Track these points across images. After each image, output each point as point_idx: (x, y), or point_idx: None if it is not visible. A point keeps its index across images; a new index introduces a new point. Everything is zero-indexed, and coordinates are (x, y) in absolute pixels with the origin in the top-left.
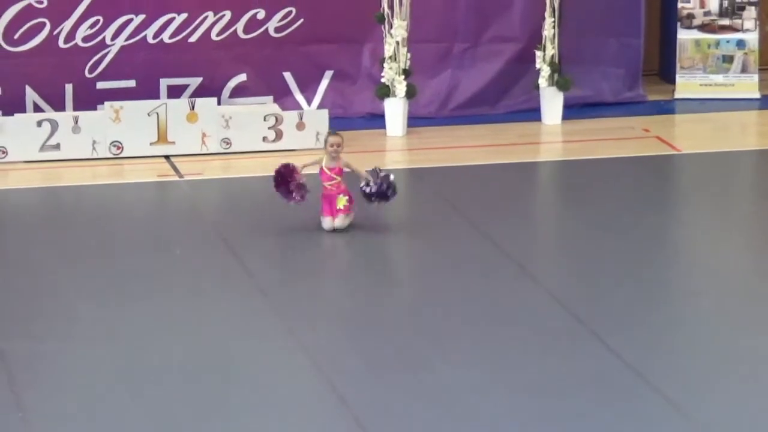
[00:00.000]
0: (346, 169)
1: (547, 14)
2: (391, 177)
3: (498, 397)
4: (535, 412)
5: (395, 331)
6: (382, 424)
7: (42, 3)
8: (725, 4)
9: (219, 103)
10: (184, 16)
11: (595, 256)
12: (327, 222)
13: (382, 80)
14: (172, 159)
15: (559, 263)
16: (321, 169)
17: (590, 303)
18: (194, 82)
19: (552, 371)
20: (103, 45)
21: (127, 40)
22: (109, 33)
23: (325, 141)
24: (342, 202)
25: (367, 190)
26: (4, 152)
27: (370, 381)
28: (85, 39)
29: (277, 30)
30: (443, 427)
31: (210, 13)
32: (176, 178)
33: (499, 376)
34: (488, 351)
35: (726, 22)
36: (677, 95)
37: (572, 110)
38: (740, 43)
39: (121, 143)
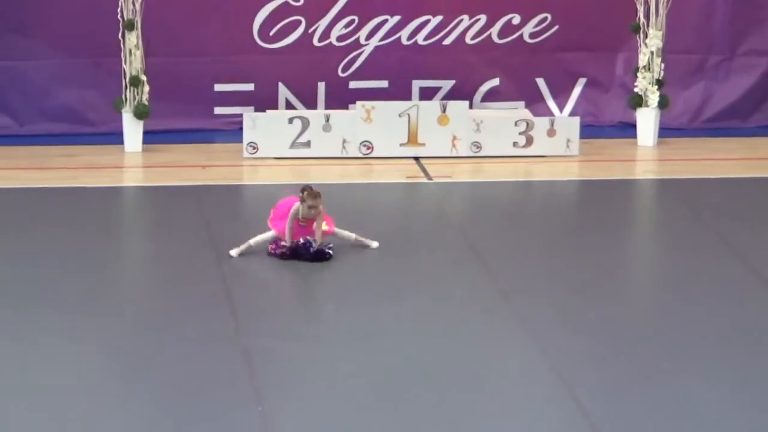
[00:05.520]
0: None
1: None
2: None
3: (743, 415)
4: None
5: (637, 344)
6: None
7: (298, 1)
8: None
9: (470, 107)
10: (439, 18)
11: None
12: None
13: (635, 90)
14: (422, 161)
15: None
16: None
17: None
18: (447, 84)
19: None
20: (357, 45)
21: (381, 40)
22: (363, 33)
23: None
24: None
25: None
26: (255, 148)
27: (610, 392)
28: (340, 38)
29: (532, 36)
30: None
31: (465, 17)
32: (425, 180)
33: (743, 394)
34: (733, 367)
35: None
36: None
37: None
38: None
39: (371, 143)
